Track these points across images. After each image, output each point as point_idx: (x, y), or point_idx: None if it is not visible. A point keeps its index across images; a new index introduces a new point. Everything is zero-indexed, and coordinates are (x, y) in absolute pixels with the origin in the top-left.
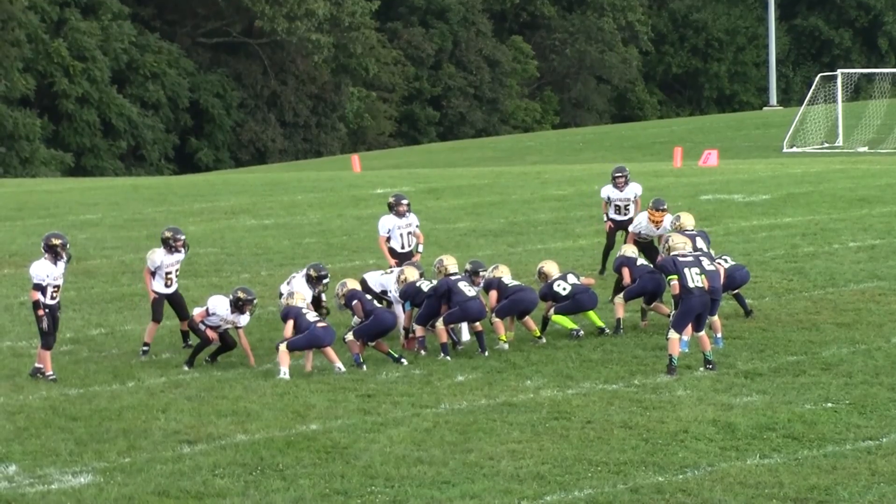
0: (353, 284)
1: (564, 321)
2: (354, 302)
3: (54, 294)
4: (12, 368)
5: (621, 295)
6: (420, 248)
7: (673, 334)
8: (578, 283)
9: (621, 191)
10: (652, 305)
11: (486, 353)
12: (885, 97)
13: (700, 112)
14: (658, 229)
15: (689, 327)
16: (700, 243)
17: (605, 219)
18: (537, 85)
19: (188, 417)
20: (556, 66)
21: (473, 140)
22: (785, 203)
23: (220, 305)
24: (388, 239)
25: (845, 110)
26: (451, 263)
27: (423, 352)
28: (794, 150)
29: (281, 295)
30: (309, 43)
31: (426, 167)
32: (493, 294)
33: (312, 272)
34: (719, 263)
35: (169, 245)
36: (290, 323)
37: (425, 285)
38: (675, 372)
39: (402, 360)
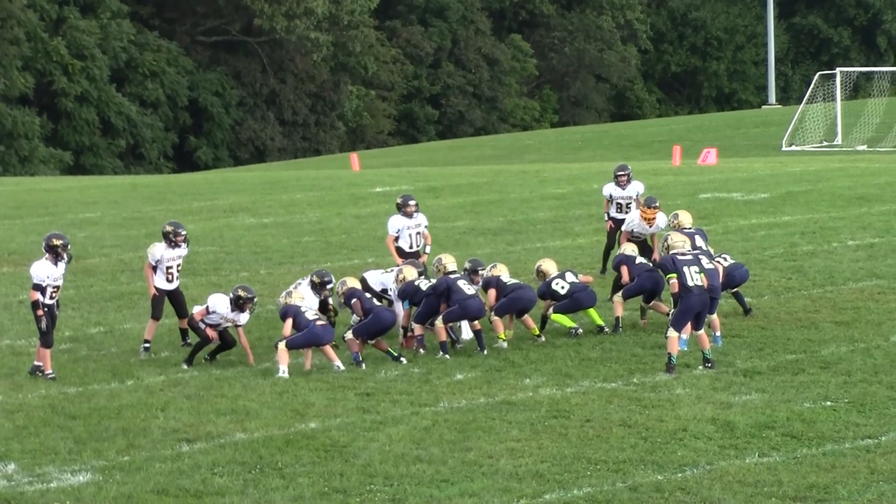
0: (353, 283)
1: (563, 319)
2: (353, 300)
3: (53, 294)
4: (11, 367)
5: (620, 293)
6: (427, 249)
7: (672, 333)
8: (577, 281)
9: (623, 189)
10: (651, 304)
11: (486, 352)
12: (883, 95)
13: (699, 110)
14: (650, 227)
15: (689, 326)
16: (698, 241)
17: (606, 217)
18: (536, 83)
19: (187, 416)
20: (555, 64)
21: (472, 138)
22: (784, 201)
23: (220, 304)
24: (397, 238)
25: (844, 109)
26: (449, 262)
27: (422, 350)
28: (793, 148)
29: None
30: (308, 41)
31: (425, 166)
32: (492, 292)
33: (316, 278)
34: (718, 262)
35: (170, 239)
36: (289, 321)
37: (424, 284)
38: (674, 370)
39: (402, 358)
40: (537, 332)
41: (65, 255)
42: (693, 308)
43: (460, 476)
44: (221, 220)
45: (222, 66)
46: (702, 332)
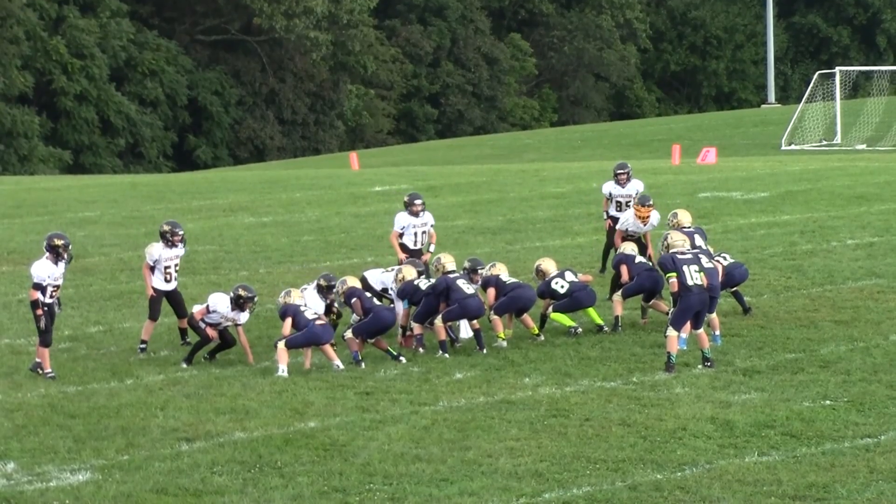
0: (353, 282)
1: (563, 319)
2: (353, 299)
3: (53, 293)
4: (10, 366)
5: (620, 292)
6: (431, 248)
7: (671, 332)
8: (576, 280)
9: (623, 187)
10: (651, 303)
11: (485, 351)
12: (883, 94)
13: (698, 109)
14: (644, 226)
15: (688, 325)
16: (698, 240)
17: (605, 216)
18: (535, 82)
19: (186, 415)
20: (555, 63)
21: (472, 138)
22: (783, 200)
23: (220, 303)
24: (402, 235)
25: (843, 108)
26: (449, 261)
27: (421, 349)
28: (793, 147)
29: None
30: (307, 40)
31: (424, 165)
32: (492, 291)
33: (322, 282)
34: (718, 261)
35: (167, 239)
36: (289, 321)
37: (423, 283)
38: (673, 369)
39: (401, 357)
40: (536, 332)
41: (65, 256)
42: (692, 307)
43: (460, 475)
44: (221, 219)
45: (222, 65)
46: (701, 331)
